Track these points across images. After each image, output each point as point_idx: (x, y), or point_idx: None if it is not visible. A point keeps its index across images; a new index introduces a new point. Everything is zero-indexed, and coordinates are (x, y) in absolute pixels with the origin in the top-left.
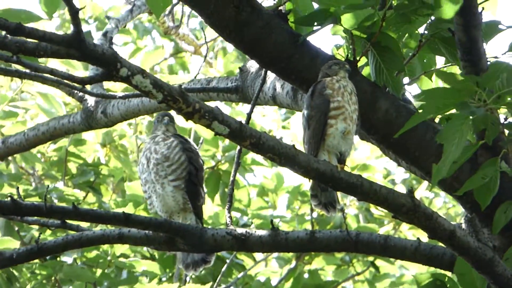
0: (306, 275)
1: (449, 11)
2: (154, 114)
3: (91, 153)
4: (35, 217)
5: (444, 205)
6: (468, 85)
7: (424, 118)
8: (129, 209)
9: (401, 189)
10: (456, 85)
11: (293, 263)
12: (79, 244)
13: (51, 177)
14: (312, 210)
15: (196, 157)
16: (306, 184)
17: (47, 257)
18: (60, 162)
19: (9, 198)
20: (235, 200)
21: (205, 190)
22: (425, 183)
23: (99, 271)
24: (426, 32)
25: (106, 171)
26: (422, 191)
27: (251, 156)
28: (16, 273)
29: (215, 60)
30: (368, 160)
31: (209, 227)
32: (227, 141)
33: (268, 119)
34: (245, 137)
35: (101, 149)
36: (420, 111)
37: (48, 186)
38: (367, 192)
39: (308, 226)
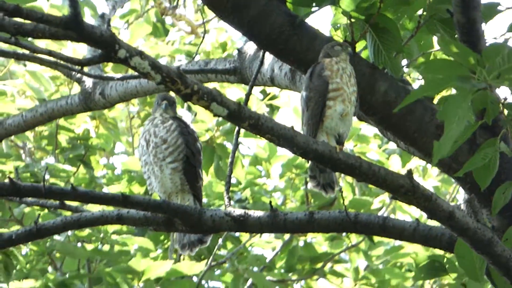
0: (301, 243)
1: None
2: None
3: (81, 123)
4: (34, 198)
5: (440, 172)
6: (470, 58)
7: (426, 93)
8: (123, 184)
9: (396, 159)
10: (457, 58)
11: (288, 235)
12: (78, 225)
13: (42, 150)
14: (306, 182)
15: (194, 140)
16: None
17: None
18: (51, 136)
19: (7, 179)
20: None
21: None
22: None
23: (91, 247)
24: (424, 13)
25: (96, 143)
26: (417, 160)
27: None
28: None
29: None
30: (361, 124)
31: (209, 208)
32: None
33: None
34: (243, 119)
35: (90, 121)
36: (417, 88)
37: (46, 166)
38: (365, 173)
39: (302, 194)
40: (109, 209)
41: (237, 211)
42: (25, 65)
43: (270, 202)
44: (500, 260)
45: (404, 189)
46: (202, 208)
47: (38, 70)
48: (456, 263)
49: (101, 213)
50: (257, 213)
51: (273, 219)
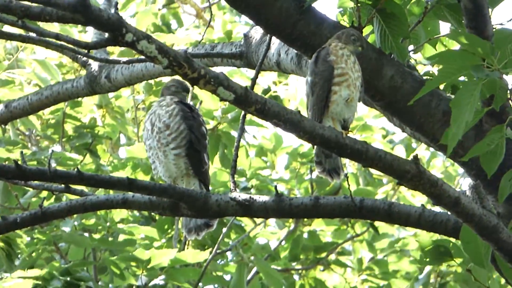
0: (305, 235)
1: None
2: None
3: (87, 113)
4: (39, 182)
5: (443, 163)
6: (480, 47)
7: (440, 83)
8: (127, 171)
9: (401, 149)
10: (470, 48)
11: (292, 225)
12: (83, 208)
13: (48, 138)
14: (311, 171)
15: (198, 125)
16: (305, 145)
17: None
18: (57, 124)
19: (13, 163)
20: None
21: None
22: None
23: (97, 237)
24: None
25: (102, 132)
26: (421, 151)
27: (249, 116)
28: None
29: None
30: (366, 118)
31: (214, 193)
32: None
33: None
34: (250, 103)
35: (97, 110)
36: (428, 78)
37: (52, 151)
38: (372, 158)
39: (306, 186)
40: (115, 193)
41: (243, 196)
42: (23, 50)
43: (276, 186)
44: (505, 246)
45: (410, 174)
46: (207, 192)
47: (46, 58)
48: (462, 249)
49: (107, 197)
50: (263, 198)
51: (278, 203)
